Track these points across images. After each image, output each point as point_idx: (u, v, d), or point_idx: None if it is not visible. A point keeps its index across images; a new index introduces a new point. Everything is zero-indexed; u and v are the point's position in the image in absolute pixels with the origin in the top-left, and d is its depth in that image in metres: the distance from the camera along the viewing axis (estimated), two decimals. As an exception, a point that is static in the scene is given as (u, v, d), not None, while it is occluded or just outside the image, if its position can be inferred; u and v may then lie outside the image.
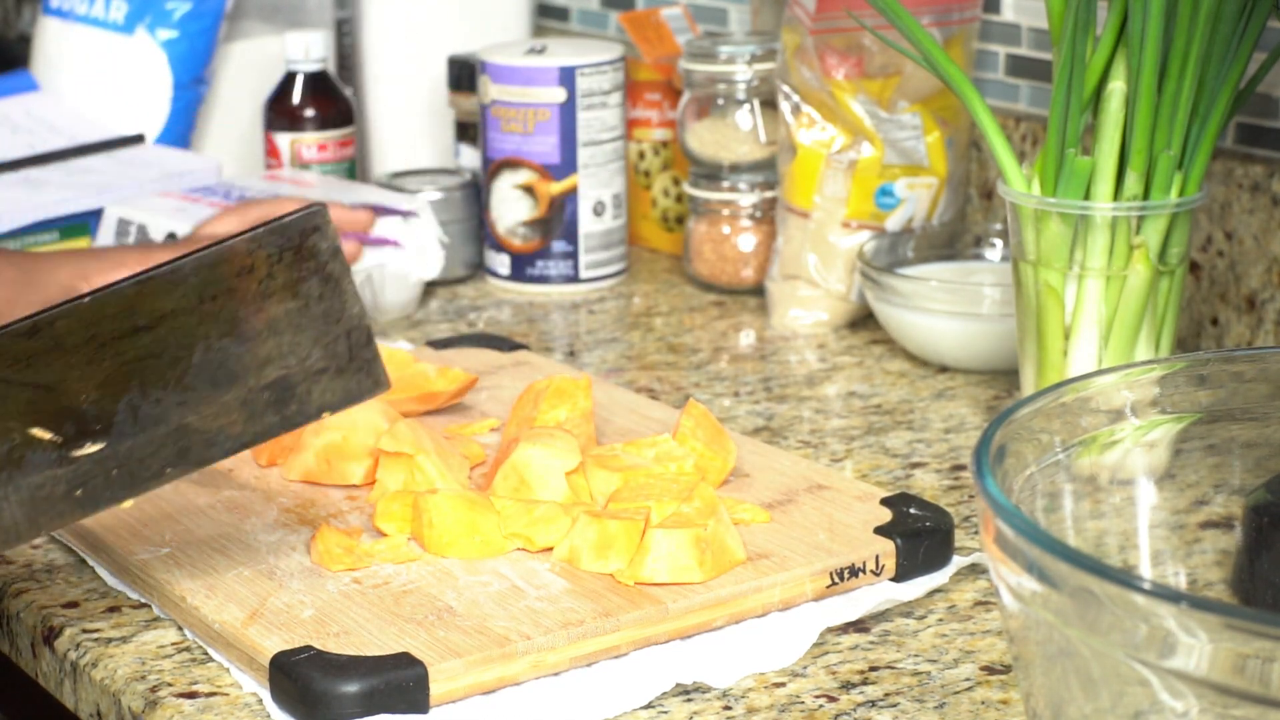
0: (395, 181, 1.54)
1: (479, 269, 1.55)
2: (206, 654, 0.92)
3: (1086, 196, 1.07)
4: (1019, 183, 1.09)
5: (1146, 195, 1.06)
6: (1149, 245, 1.06)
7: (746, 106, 1.47)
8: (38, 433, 0.84)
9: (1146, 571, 0.85)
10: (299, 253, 0.88)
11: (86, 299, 0.84)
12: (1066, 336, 1.08)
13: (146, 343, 0.85)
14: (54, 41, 1.69)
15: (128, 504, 0.89)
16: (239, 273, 0.87)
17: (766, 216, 1.48)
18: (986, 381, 1.29)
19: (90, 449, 0.85)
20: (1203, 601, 0.63)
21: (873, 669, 0.91)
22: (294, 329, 0.88)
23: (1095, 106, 1.07)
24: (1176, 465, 0.85)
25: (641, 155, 1.59)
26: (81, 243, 1.49)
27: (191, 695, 0.89)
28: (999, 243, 1.41)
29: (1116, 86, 1.05)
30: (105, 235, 1.44)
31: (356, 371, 0.90)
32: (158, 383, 0.86)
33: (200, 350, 0.86)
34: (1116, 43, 1.05)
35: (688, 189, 1.50)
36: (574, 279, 1.50)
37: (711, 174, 1.49)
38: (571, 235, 1.49)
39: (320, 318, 0.89)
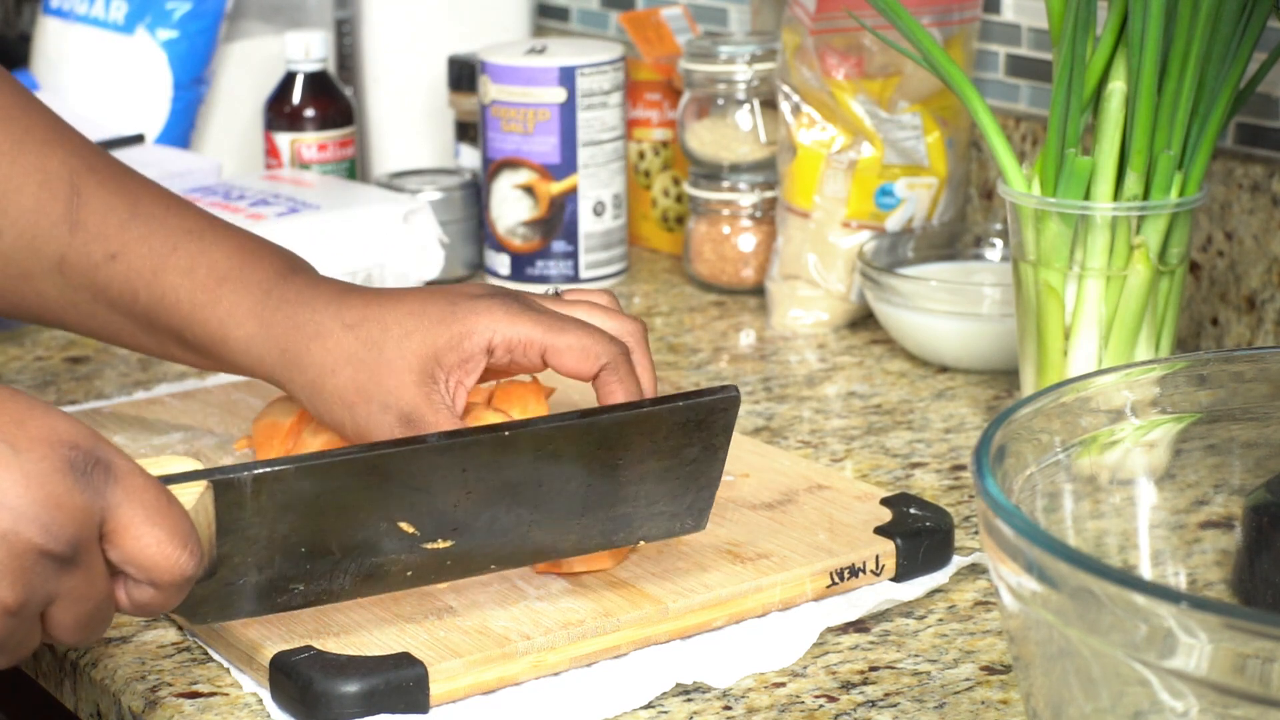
0: (395, 181, 1.54)
1: (479, 269, 1.55)
2: (206, 654, 0.92)
3: (1086, 196, 1.07)
4: (1019, 183, 1.09)
5: (1146, 195, 1.06)
6: (1149, 245, 1.06)
7: (746, 106, 1.47)
8: (403, 526, 0.87)
9: (1146, 571, 0.85)
10: (699, 425, 0.92)
11: (507, 433, 0.88)
12: (1066, 336, 1.08)
13: (535, 472, 0.89)
14: (54, 41, 1.69)
15: (443, 585, 0.93)
16: (642, 433, 0.91)
17: (766, 216, 1.48)
18: (986, 381, 1.29)
19: (440, 545, 0.89)
20: (1203, 601, 0.63)
21: (873, 669, 0.91)
22: (658, 481, 0.92)
23: (1095, 106, 1.07)
24: (1176, 465, 0.85)
25: (641, 155, 1.60)
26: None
27: (191, 695, 0.89)
28: (999, 243, 1.41)
29: (1116, 86, 1.05)
30: (105, 235, 1.44)
31: (687, 516, 0.95)
32: (525, 503, 0.90)
33: (575, 485, 0.90)
34: (1116, 43, 1.05)
35: (688, 189, 1.50)
36: (574, 279, 1.50)
37: (711, 174, 1.49)
38: (571, 235, 1.49)
39: (686, 476, 0.93)
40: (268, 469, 0.83)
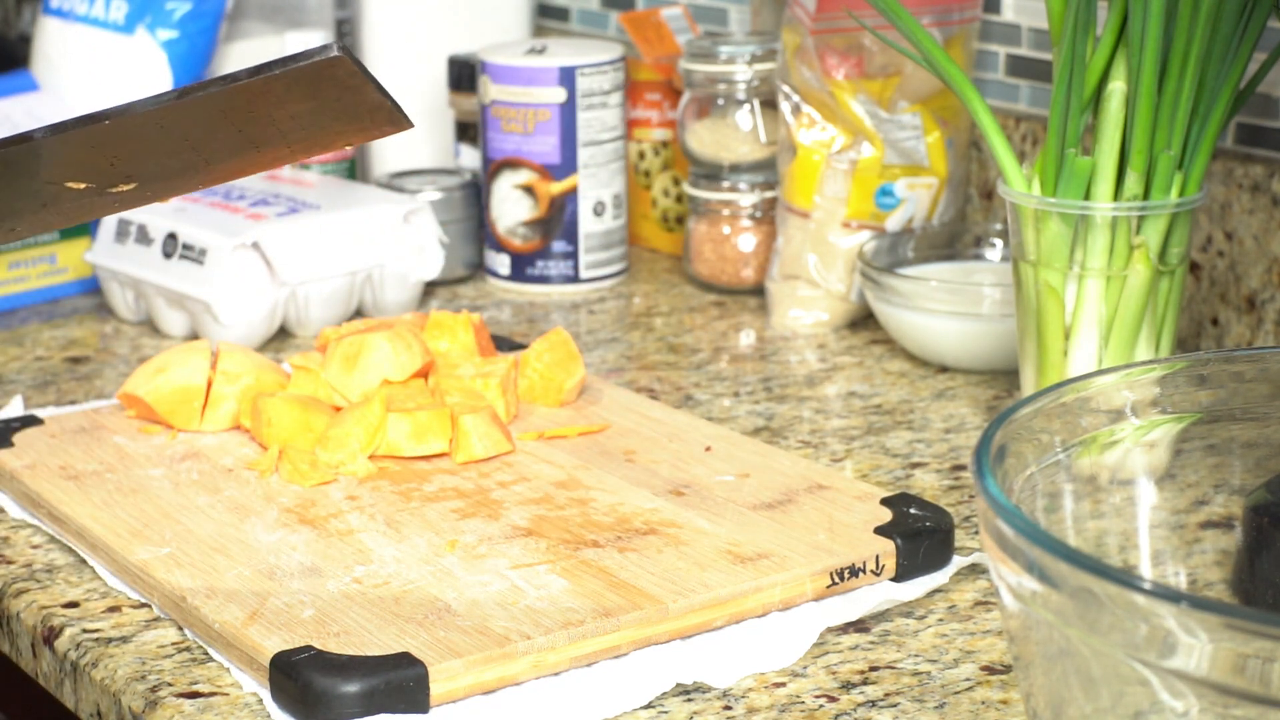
0: (395, 181, 1.54)
1: (479, 269, 1.55)
2: (206, 654, 0.92)
3: (1086, 196, 1.07)
4: (1019, 183, 1.09)
5: (1146, 195, 1.06)
6: (1149, 245, 1.06)
7: (746, 106, 1.47)
8: (72, 186, 0.87)
9: (1146, 571, 0.85)
10: (319, 83, 0.87)
11: (108, 121, 0.84)
12: (1066, 336, 1.08)
13: (164, 148, 0.86)
14: (54, 41, 1.69)
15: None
16: (252, 99, 0.86)
17: (766, 216, 1.48)
18: (986, 381, 1.29)
19: (125, 187, 0.88)
20: (1203, 601, 0.63)
21: (873, 669, 0.91)
22: (314, 116, 0.89)
23: (1095, 106, 1.07)
24: (1176, 465, 0.85)
25: (641, 155, 1.60)
26: (81, 243, 1.49)
27: (191, 695, 0.89)
28: (999, 243, 1.41)
29: (1116, 86, 1.05)
30: (105, 235, 1.44)
31: (385, 124, 0.90)
32: (183, 157, 0.87)
33: (222, 138, 0.87)
34: (1116, 43, 1.05)
35: (688, 189, 1.50)
36: (574, 279, 1.50)
37: (711, 174, 1.49)
38: (571, 235, 1.49)
39: (344, 109, 0.89)
40: None
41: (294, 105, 0.88)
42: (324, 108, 0.89)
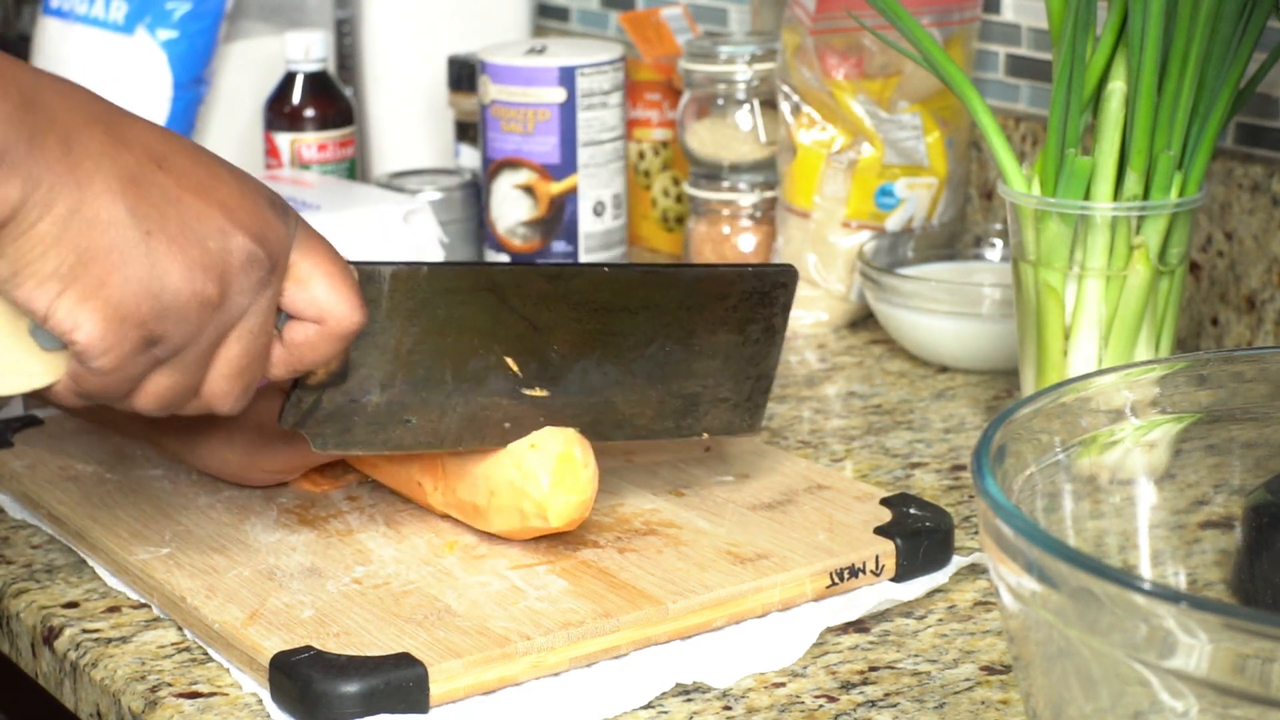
0: (395, 181, 1.54)
1: (479, 269, 1.55)
2: (206, 654, 0.92)
3: (1086, 196, 1.07)
4: (1019, 183, 1.09)
5: (1146, 195, 1.06)
6: (1149, 245, 1.06)
7: (746, 106, 1.47)
8: (510, 362, 0.93)
9: (1146, 571, 0.85)
10: (763, 298, 0.98)
11: (608, 269, 0.94)
12: (1066, 336, 1.08)
13: (625, 322, 0.95)
14: (54, 41, 1.69)
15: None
16: (717, 296, 0.97)
17: (766, 216, 1.48)
18: (986, 381, 1.29)
19: (537, 393, 0.94)
20: (1203, 601, 0.63)
21: (873, 669, 0.91)
22: (725, 358, 0.98)
23: (1095, 106, 1.07)
24: (1176, 465, 0.85)
25: (641, 155, 1.59)
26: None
27: (191, 695, 0.89)
28: (999, 243, 1.41)
29: (1116, 86, 1.05)
30: (105, 235, 1.44)
31: (744, 411, 1.01)
32: (613, 359, 0.95)
33: (656, 346, 0.96)
34: (1116, 43, 1.05)
35: (688, 189, 1.50)
36: (574, 279, 1.50)
37: (711, 174, 1.49)
38: (571, 235, 1.49)
39: (748, 357, 0.99)
40: (404, 266, 0.89)
41: (725, 334, 0.98)
42: (739, 354, 0.99)
